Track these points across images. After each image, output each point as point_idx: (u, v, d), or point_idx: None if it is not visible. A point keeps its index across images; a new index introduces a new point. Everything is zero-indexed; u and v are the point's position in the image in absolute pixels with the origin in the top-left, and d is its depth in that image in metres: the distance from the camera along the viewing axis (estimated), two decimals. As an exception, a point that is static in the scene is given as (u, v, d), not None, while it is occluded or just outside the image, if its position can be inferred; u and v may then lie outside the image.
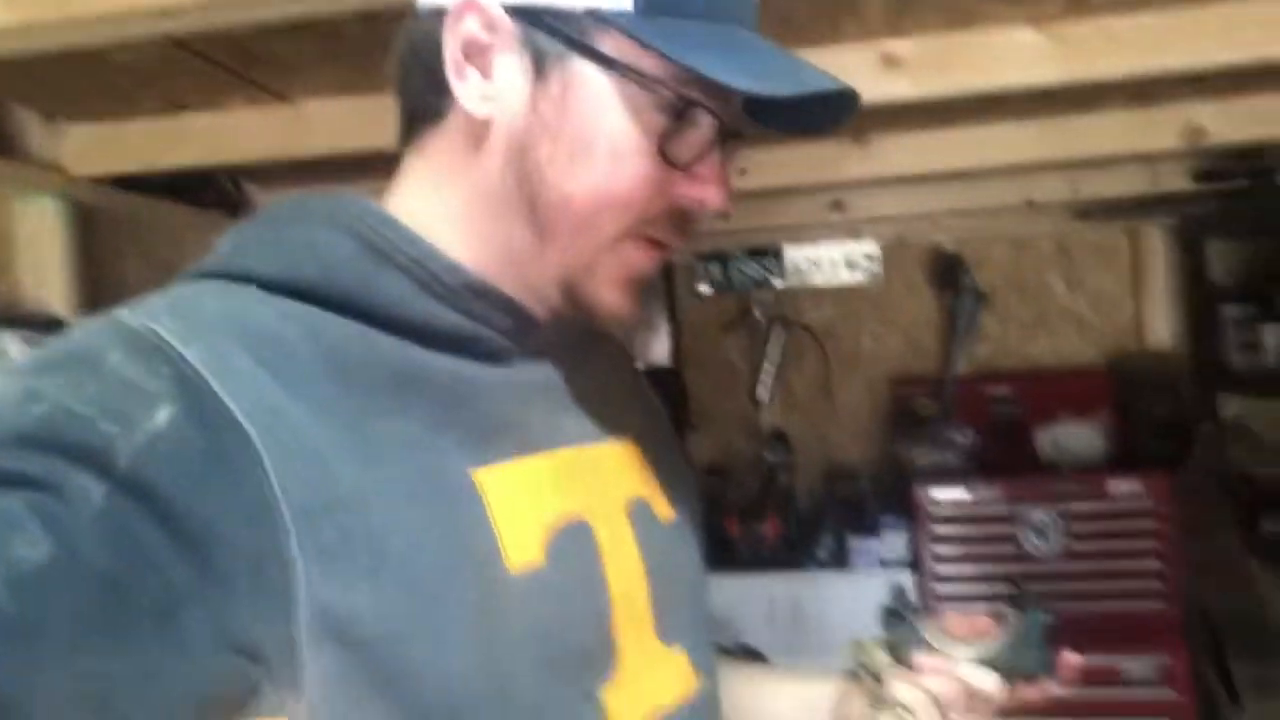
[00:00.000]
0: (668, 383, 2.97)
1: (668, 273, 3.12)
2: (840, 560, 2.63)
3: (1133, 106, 1.91)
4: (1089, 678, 2.82)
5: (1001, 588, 2.47)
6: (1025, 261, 3.04)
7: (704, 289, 3.05)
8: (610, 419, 0.72)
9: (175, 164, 1.72)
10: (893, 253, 3.01)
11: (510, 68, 0.59)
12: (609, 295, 0.63)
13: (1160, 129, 1.94)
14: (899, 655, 0.81)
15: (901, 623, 0.82)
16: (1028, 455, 2.79)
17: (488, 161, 0.61)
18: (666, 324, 3.11)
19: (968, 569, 2.51)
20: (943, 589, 2.49)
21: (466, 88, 0.59)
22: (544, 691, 0.58)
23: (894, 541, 2.57)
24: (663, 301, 3.10)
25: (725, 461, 3.12)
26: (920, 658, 0.80)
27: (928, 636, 0.81)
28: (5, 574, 0.42)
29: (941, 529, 2.52)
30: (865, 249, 2.95)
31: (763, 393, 3.08)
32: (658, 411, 0.85)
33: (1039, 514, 2.52)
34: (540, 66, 0.59)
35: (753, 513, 2.76)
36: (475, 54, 0.59)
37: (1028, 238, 3.02)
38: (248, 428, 0.49)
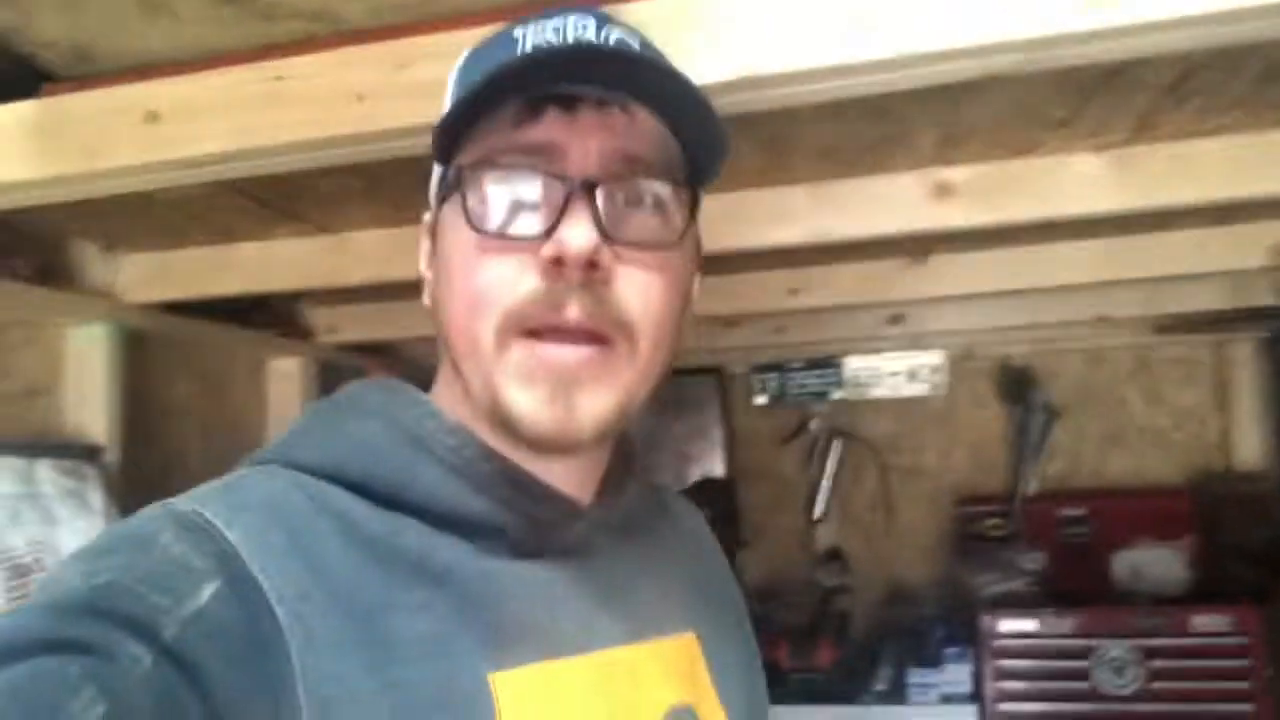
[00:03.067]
0: (720, 495, 2.89)
1: (722, 383, 3.07)
2: (898, 694, 2.45)
3: (1213, 225, 1.81)
4: None
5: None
6: (1100, 375, 2.90)
7: (760, 400, 2.97)
8: (659, 614, 0.71)
9: (224, 291, 1.75)
10: (959, 364, 2.90)
11: (427, 247, 0.68)
12: (518, 398, 0.59)
13: (1244, 248, 1.83)
14: None
15: None
16: (1102, 582, 2.62)
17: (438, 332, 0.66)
18: (721, 435, 3.04)
19: (1036, 708, 2.35)
20: (1009, 729, 2.33)
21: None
22: None
23: (957, 674, 2.42)
24: (718, 412, 3.03)
25: (778, 582, 2.97)
26: None
27: None
28: None
29: (1008, 663, 2.36)
30: (929, 360, 2.85)
31: (819, 508, 2.97)
32: (731, 599, 0.84)
33: (1115, 648, 2.35)
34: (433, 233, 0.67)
35: (805, 638, 2.61)
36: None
37: (1103, 350, 2.88)
38: (278, 610, 0.53)
